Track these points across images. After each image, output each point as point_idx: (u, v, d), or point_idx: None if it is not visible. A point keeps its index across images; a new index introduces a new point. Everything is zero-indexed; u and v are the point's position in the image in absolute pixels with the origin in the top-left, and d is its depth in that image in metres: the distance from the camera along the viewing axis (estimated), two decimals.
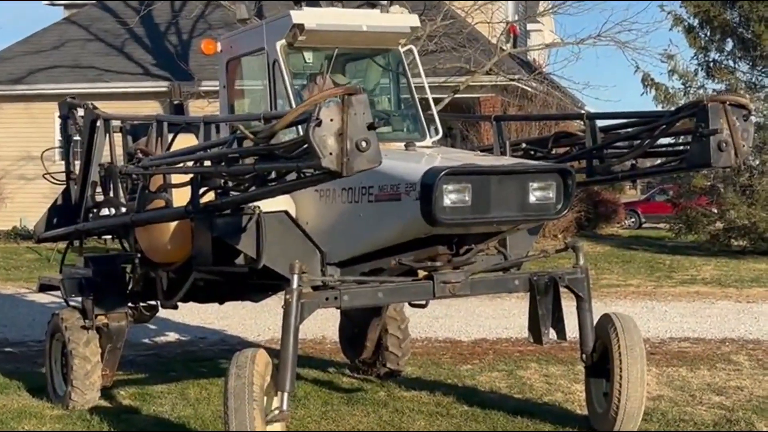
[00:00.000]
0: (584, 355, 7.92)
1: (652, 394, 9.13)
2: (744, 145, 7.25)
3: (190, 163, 7.38)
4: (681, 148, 7.99)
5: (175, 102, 10.08)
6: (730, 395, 9.42)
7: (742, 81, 24.90)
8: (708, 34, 24.85)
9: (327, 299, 7.03)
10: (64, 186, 10.36)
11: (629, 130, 8.07)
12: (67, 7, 34.84)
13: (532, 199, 7.03)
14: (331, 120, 5.71)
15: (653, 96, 24.97)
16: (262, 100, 8.46)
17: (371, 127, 5.80)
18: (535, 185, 7.04)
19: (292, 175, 6.36)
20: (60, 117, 10.02)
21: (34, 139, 27.87)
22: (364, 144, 5.75)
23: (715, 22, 24.28)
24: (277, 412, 6.66)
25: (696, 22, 24.82)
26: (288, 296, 6.75)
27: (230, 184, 7.01)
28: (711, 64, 25.04)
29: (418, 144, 8.28)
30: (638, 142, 7.87)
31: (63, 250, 10.67)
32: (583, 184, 8.44)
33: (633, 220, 37.42)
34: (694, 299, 17.05)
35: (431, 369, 10.69)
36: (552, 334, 7.73)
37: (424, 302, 8.29)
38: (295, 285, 6.73)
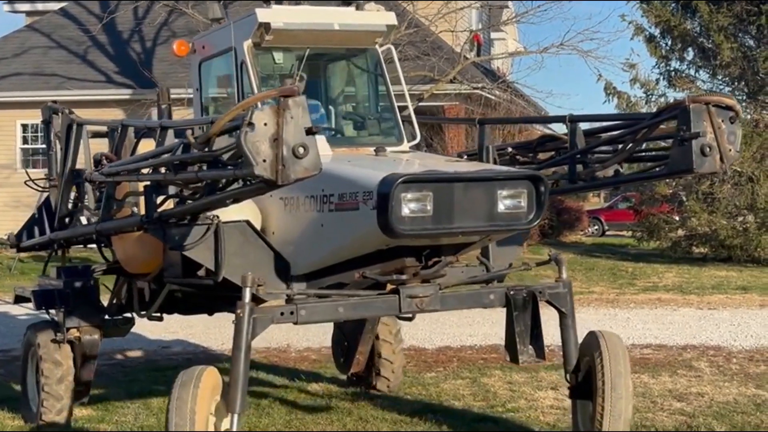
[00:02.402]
0: (568, 375, 7.40)
1: None
2: (731, 150, 6.81)
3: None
4: (662, 153, 7.60)
5: (163, 106, 9.42)
6: (691, 401, 9.51)
7: (702, 90, 25.15)
8: (669, 43, 25.16)
9: (282, 314, 6.61)
10: (38, 193, 10.02)
11: (612, 133, 7.70)
12: (29, 14, 34.53)
13: (501, 207, 6.59)
14: (265, 124, 5.34)
15: (615, 104, 25.23)
16: (233, 103, 8.19)
17: (310, 131, 5.44)
18: (504, 193, 6.59)
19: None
20: (42, 122, 9.65)
21: None
22: (301, 150, 5.39)
23: (676, 32, 24.55)
24: None
25: (657, 32, 25.12)
26: (239, 311, 6.34)
27: (186, 192, 6.66)
28: (672, 73, 25.34)
29: (394, 149, 7.95)
30: (621, 146, 7.45)
31: (22, 259, 10.39)
32: (567, 191, 8.01)
33: (596, 227, 37.68)
34: (656, 306, 17.18)
35: None
36: (531, 351, 7.19)
37: (410, 320, 7.82)
38: (246, 299, 6.34)
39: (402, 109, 8.47)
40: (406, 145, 8.18)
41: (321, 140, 7.34)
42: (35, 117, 26.09)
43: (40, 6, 34.30)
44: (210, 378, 6.36)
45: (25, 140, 28.09)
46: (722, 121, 6.76)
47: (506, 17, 31.63)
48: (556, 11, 42.97)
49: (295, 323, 6.73)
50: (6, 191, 26.96)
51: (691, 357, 11.91)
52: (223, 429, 6.40)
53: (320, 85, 8.45)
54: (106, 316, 9.13)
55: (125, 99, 26.68)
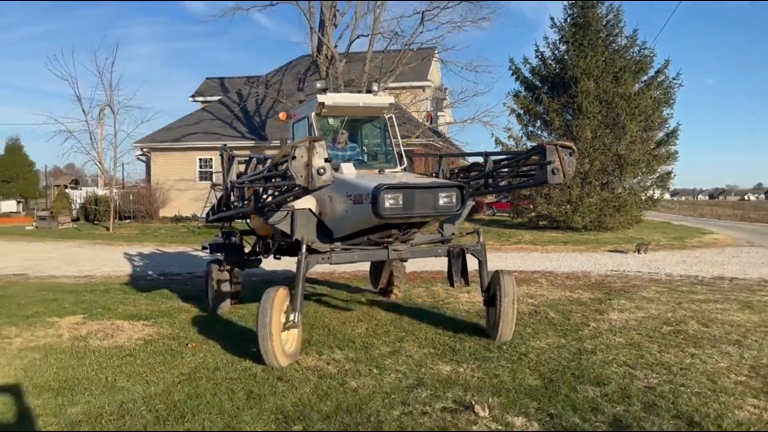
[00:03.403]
0: (484, 294, 7.05)
1: None
2: (570, 171, 6.37)
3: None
4: (531, 172, 7.05)
5: None
6: (537, 299, 9.49)
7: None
8: (528, 117, 24.94)
9: (323, 258, 6.40)
10: (208, 192, 9.80)
11: (506, 161, 7.35)
12: (202, 102, 34.39)
13: (441, 203, 6.20)
14: (302, 156, 5.06)
15: (500, 149, 25.00)
16: None
17: (327, 160, 5.09)
18: (443, 195, 6.22)
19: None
20: (220, 155, 9.19)
21: (184, 170, 27.60)
22: (322, 170, 5.07)
23: (531, 111, 24.39)
24: (291, 323, 6.11)
25: (521, 111, 24.94)
26: (299, 255, 6.15)
27: (276, 193, 6.22)
28: (529, 133, 25.12)
29: (392, 170, 7.41)
30: (510, 169, 7.04)
31: (200, 227, 10.08)
32: (482, 194, 7.29)
33: (490, 211, 37.46)
34: (520, 251, 17.19)
35: None
36: (461, 281, 6.98)
37: (405, 261, 7.44)
38: (303, 249, 6.19)
39: (396, 148, 8.22)
40: (398, 168, 7.87)
41: (350, 166, 7.23)
42: (207, 155, 26.41)
43: (209, 98, 34.16)
44: (283, 291, 6.15)
45: (200, 166, 28.02)
46: (564, 155, 6.40)
47: (446, 104, 31.38)
48: (470, 101, 42.67)
49: (330, 263, 6.54)
50: (191, 192, 27.01)
51: (537, 276, 11.89)
52: (290, 319, 6.17)
53: (356, 136, 8.18)
54: (246, 258, 8.96)
55: (251, 146, 26.57)
